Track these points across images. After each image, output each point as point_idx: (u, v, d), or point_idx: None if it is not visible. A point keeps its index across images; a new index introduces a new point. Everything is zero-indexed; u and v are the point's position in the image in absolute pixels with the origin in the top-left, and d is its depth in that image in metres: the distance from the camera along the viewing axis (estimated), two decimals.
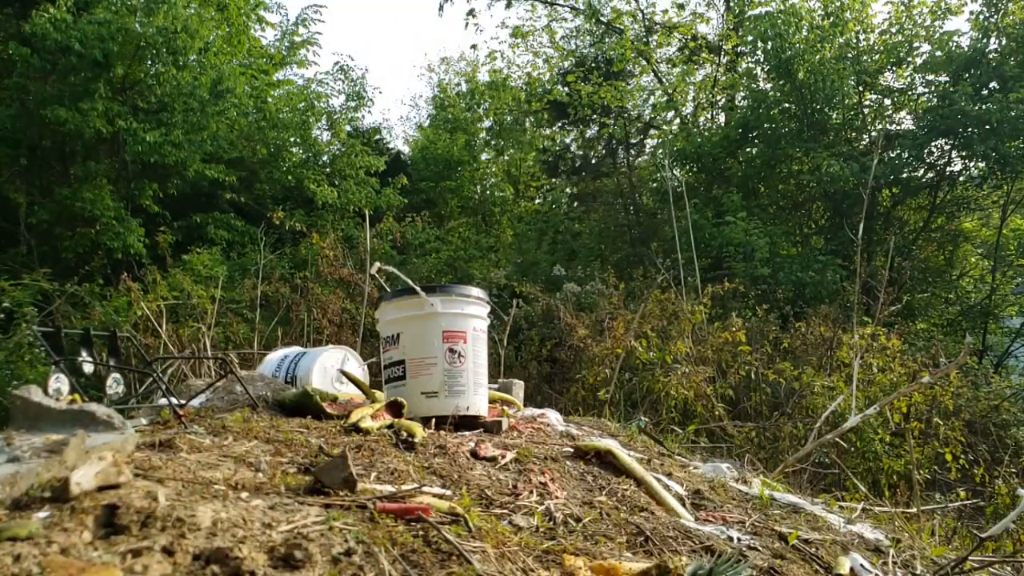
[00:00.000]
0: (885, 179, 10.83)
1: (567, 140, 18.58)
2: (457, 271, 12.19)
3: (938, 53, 11.13)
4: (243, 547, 1.44)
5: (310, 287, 8.05)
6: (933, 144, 11.05)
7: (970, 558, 2.85)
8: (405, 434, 2.76)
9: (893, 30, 12.04)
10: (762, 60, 12.69)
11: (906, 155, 11.18)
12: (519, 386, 4.36)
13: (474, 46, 29.45)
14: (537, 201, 19.12)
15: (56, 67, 10.14)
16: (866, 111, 12.35)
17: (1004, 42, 10.71)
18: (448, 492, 2.19)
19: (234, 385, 3.29)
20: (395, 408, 3.08)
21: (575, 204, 17.66)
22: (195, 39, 10.62)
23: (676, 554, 2.12)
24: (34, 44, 9.87)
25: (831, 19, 11.70)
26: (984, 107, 9.92)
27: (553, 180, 18.83)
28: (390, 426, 2.89)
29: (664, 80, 16.25)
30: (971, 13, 11.14)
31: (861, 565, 2.50)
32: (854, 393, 5.16)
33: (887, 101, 12.38)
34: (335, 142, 14.99)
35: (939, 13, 11.59)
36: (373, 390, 3.73)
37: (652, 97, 17.10)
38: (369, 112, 28.93)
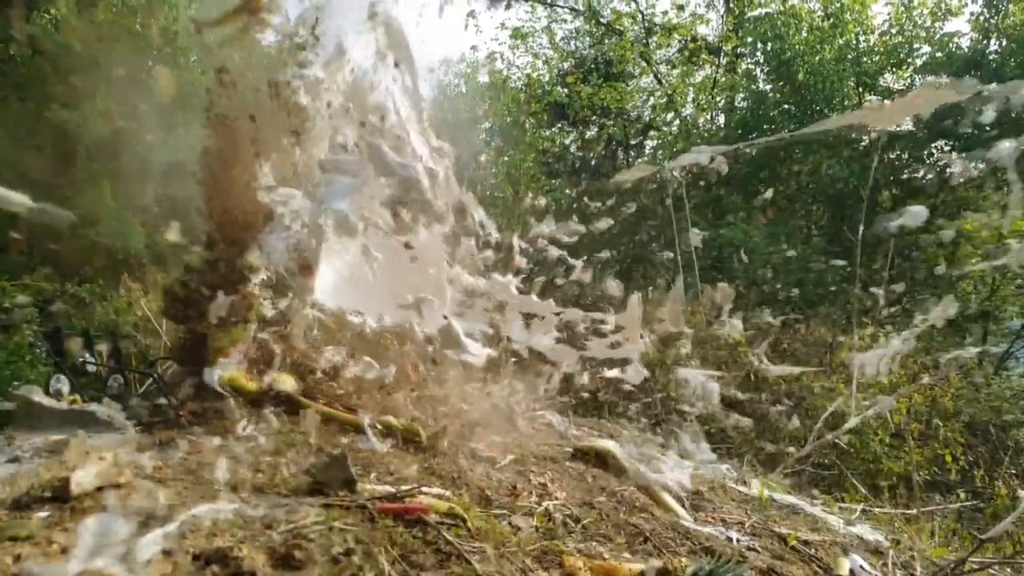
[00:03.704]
0: (885, 180, 10.83)
1: (567, 141, 18.57)
2: None
3: (938, 54, 11.13)
4: (243, 547, 1.44)
5: None
6: (933, 145, 11.05)
7: (970, 559, 2.85)
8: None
9: (893, 31, 12.04)
10: (762, 61, 12.70)
11: (906, 156, 11.18)
12: None
13: (474, 47, 29.48)
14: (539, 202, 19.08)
15: (57, 67, 10.12)
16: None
17: (1004, 43, 10.71)
18: (447, 493, 2.20)
19: None
20: None
21: (574, 205, 17.64)
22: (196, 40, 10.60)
23: (676, 555, 2.12)
24: (35, 44, 9.85)
25: (831, 20, 11.70)
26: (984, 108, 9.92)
27: (553, 181, 18.81)
28: None
29: (664, 81, 16.23)
30: (971, 14, 11.15)
31: (860, 566, 2.51)
32: (854, 394, 5.16)
33: (887, 102, 12.38)
34: None
35: (939, 14, 11.59)
36: None
37: (652, 98, 17.10)
38: None
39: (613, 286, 3.62)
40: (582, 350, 3.55)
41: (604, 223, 3.91)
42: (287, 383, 3.02)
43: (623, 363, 3.52)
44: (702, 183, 12.83)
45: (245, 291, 3.20)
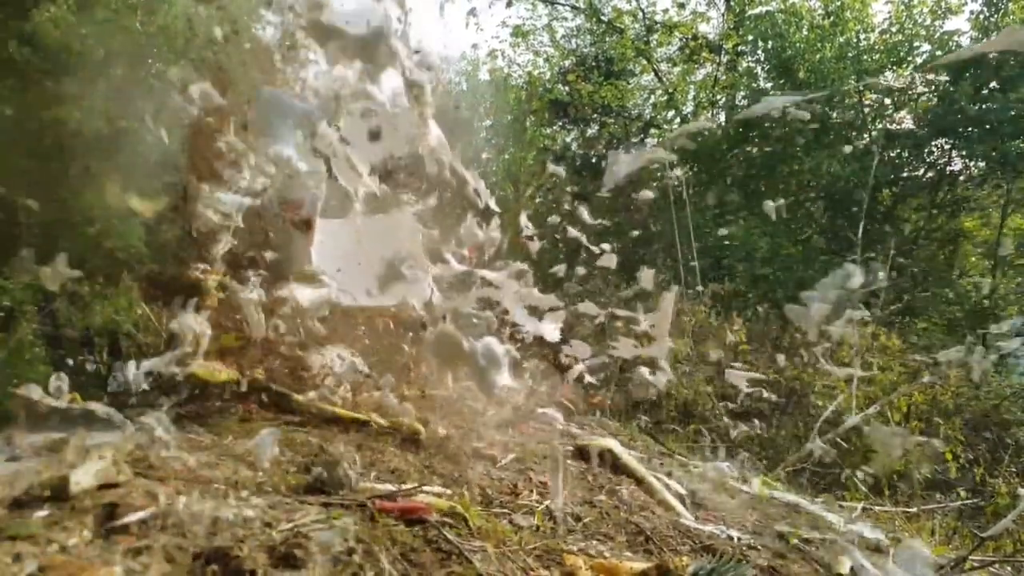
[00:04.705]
0: (885, 178, 10.83)
1: (568, 139, 18.56)
2: None
3: (938, 52, 11.12)
4: (243, 546, 1.44)
5: None
6: (933, 143, 11.05)
7: (970, 557, 2.85)
8: None
9: (893, 30, 12.03)
10: (762, 59, 12.69)
11: (906, 154, 11.18)
12: None
13: (475, 45, 29.42)
14: (537, 200, 19.08)
15: (56, 66, 10.10)
16: (866, 110, 12.35)
17: None
18: (448, 491, 2.19)
19: None
20: None
21: (575, 203, 17.64)
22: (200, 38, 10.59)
23: (676, 553, 2.12)
24: (34, 43, 9.84)
25: (831, 19, 11.70)
26: (984, 107, 9.92)
27: (553, 179, 18.79)
28: None
29: (664, 79, 16.22)
30: (971, 13, 11.15)
31: (861, 564, 2.50)
32: (854, 392, 5.16)
33: (887, 100, 12.38)
34: None
35: (939, 13, 11.59)
36: None
37: (652, 96, 17.10)
38: None
39: (646, 277, 3.43)
40: (606, 347, 3.43)
41: (646, 193, 3.66)
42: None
43: (652, 364, 3.40)
44: (701, 186, 12.84)
45: (186, 273, 2.98)
